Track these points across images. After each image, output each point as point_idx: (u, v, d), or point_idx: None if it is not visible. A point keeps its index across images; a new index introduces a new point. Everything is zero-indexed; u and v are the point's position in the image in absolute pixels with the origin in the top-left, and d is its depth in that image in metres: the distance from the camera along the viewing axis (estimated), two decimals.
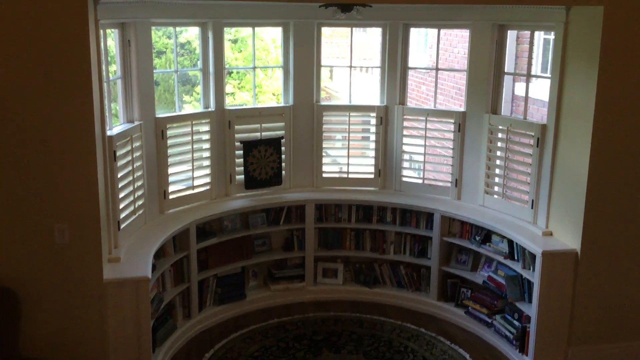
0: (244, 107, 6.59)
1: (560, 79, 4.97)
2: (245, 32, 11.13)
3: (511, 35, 6.20)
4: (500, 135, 5.61)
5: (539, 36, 7.47)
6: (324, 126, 6.29)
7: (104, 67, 4.43)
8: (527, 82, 5.62)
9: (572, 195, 4.91)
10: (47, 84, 3.95)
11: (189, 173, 5.70)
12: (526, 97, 5.60)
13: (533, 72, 6.57)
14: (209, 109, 5.79)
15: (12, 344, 3.92)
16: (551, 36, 6.07)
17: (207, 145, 5.79)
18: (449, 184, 6.07)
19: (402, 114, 6.15)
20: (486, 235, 5.60)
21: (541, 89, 6.45)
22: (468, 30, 5.84)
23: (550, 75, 5.14)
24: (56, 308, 4.21)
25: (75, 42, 3.94)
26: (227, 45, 6.01)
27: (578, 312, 5.00)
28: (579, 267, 4.91)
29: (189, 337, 5.46)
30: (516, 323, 5.25)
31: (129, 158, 4.91)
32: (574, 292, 4.96)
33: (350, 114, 6.30)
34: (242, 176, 5.97)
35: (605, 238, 4.89)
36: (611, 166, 4.77)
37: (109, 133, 4.55)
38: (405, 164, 6.32)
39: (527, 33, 6.72)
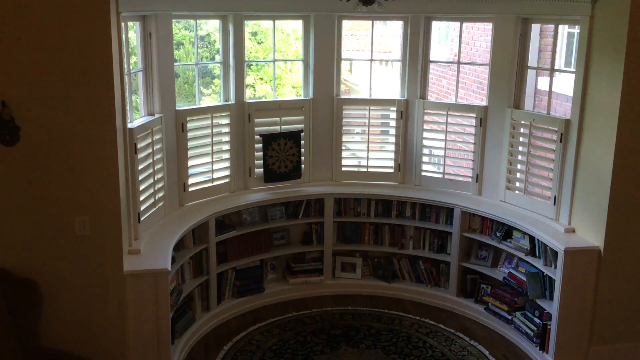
0: (264, 100, 6.60)
1: (585, 73, 4.89)
2: (265, 24, 11.13)
3: (534, 28, 6.10)
4: (522, 130, 5.54)
5: (563, 30, 7.35)
6: (344, 120, 6.26)
7: (125, 60, 4.44)
8: (551, 76, 5.53)
9: (596, 191, 4.83)
10: (68, 76, 3.97)
11: (209, 166, 5.71)
12: (550, 92, 5.52)
13: (557, 67, 6.46)
14: (229, 102, 5.79)
15: (33, 334, 3.96)
16: (576, 30, 5.98)
17: (226, 138, 5.79)
18: (469, 179, 6.01)
19: (423, 108, 6.10)
20: (507, 231, 5.54)
21: (565, 84, 6.36)
22: (490, 24, 5.76)
23: (574, 70, 5.06)
24: (76, 299, 4.24)
25: (97, 34, 3.95)
26: (247, 37, 5.99)
27: (600, 310, 4.94)
28: (601, 264, 4.84)
29: (207, 330, 5.48)
30: (537, 320, 5.20)
31: (150, 150, 4.93)
32: (596, 289, 4.90)
33: (370, 107, 6.26)
34: (262, 169, 5.97)
35: (629, 235, 4.82)
36: (636, 163, 4.69)
37: (129, 125, 4.57)
38: (425, 159, 6.27)
39: (551, 27, 6.62)
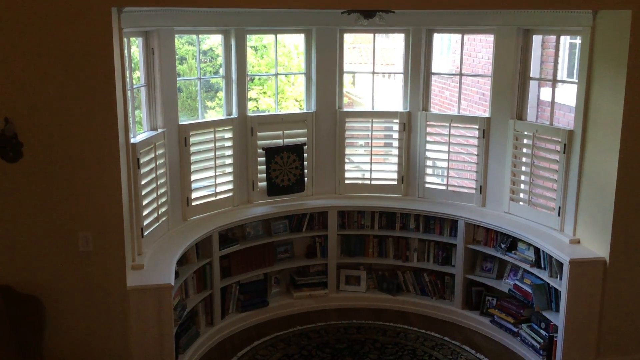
0: (267, 113, 6.60)
1: (588, 84, 4.88)
2: (266, 39, 11.18)
3: (536, 39, 6.11)
4: (525, 141, 5.53)
5: (565, 40, 7.36)
6: (347, 132, 6.26)
7: (127, 75, 4.46)
8: (553, 87, 5.53)
9: (601, 202, 4.81)
10: (71, 92, 3.98)
11: (212, 180, 5.71)
12: (552, 103, 5.51)
13: (559, 77, 6.47)
14: (232, 116, 5.80)
15: (37, 351, 3.95)
16: (577, 40, 5.98)
17: (229, 152, 5.79)
18: (473, 191, 6.00)
19: (426, 120, 6.10)
20: (512, 243, 5.52)
21: (567, 94, 6.35)
22: (492, 35, 5.77)
23: (576, 80, 5.05)
24: (80, 315, 4.23)
25: (100, 50, 3.97)
26: (249, 51, 6.02)
27: (607, 321, 4.90)
28: (607, 275, 4.81)
29: (211, 344, 5.45)
30: (543, 332, 5.16)
31: (153, 165, 4.93)
32: (603, 301, 4.86)
33: (373, 120, 6.26)
34: (265, 183, 5.97)
35: (635, 245, 4.79)
36: None
37: (132, 140, 4.58)
38: (429, 171, 6.26)
39: (553, 37, 6.63)
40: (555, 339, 5.00)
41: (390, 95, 10.22)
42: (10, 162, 3.97)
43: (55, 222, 4.11)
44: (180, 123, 5.36)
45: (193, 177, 5.53)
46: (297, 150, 6.01)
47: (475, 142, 5.92)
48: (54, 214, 4.10)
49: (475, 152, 5.92)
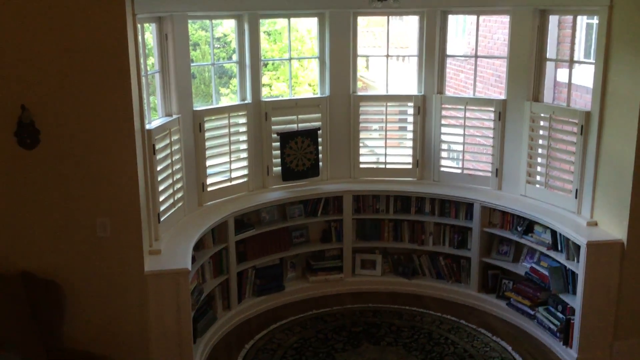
0: (281, 98, 6.59)
1: (605, 64, 4.82)
2: (279, 24, 11.14)
3: (552, 20, 6.02)
4: (542, 123, 5.48)
5: (582, 20, 7.26)
6: (361, 117, 6.24)
7: (142, 61, 4.47)
8: (570, 68, 5.46)
9: (618, 184, 4.76)
10: (86, 79, 4.00)
11: (227, 165, 5.72)
12: (569, 84, 5.45)
13: (576, 58, 6.39)
14: (246, 101, 5.80)
15: (57, 335, 4.00)
16: (595, 20, 5.89)
17: (244, 138, 5.80)
18: (489, 174, 5.96)
19: (441, 103, 6.06)
20: (528, 226, 5.49)
21: (585, 75, 6.27)
22: (508, 16, 5.70)
23: (594, 61, 4.99)
24: (98, 300, 4.28)
25: (114, 36, 3.98)
26: (262, 36, 6.00)
27: (624, 304, 4.87)
28: (625, 258, 4.77)
29: (228, 328, 5.50)
30: (560, 315, 5.14)
31: (168, 151, 4.95)
32: (620, 283, 4.83)
33: (387, 104, 6.23)
34: (279, 168, 5.97)
35: None
36: None
37: (148, 127, 4.59)
38: (444, 154, 6.23)
39: (569, 18, 6.54)
40: (572, 321, 4.98)
41: (405, 79, 10.15)
42: (27, 149, 4.00)
43: (73, 208, 4.14)
44: (194, 109, 5.37)
45: (208, 162, 5.55)
46: (311, 134, 6.00)
47: (491, 124, 5.87)
48: (71, 200, 4.13)
49: (491, 135, 5.88)
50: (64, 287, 4.10)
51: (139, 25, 4.40)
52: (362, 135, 6.33)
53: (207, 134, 5.50)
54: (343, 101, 6.15)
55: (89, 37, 3.95)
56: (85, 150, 4.09)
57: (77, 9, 3.90)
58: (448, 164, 6.28)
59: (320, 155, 6.12)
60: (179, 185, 5.16)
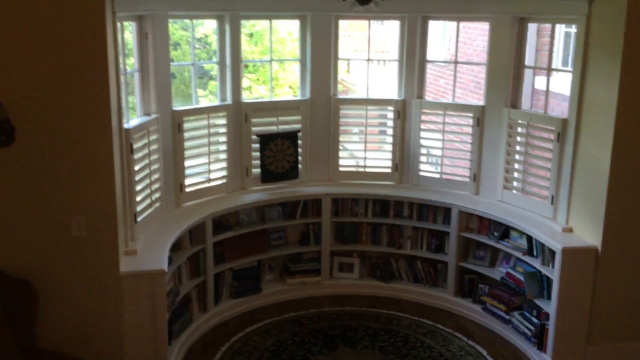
0: (261, 100, 6.57)
1: (582, 73, 4.88)
2: (260, 26, 11.11)
3: (531, 28, 6.09)
4: (520, 129, 5.53)
5: (560, 29, 7.35)
6: (341, 120, 6.24)
7: (121, 60, 4.43)
8: (548, 75, 5.53)
9: (594, 191, 4.83)
10: (64, 77, 3.95)
11: (206, 166, 5.69)
12: (547, 91, 5.52)
13: (554, 66, 6.47)
14: (226, 102, 5.77)
15: (30, 335, 3.94)
16: (573, 29, 5.97)
17: (223, 139, 5.77)
18: (467, 179, 6.01)
19: (420, 108, 6.09)
20: (505, 231, 5.53)
21: (562, 83, 6.35)
22: (488, 23, 5.76)
23: (571, 69, 5.05)
24: (72, 300, 4.23)
25: (93, 34, 3.94)
26: (243, 38, 5.98)
27: (598, 309, 4.93)
28: (599, 264, 4.83)
29: (205, 330, 5.46)
30: (535, 320, 5.19)
31: (146, 151, 4.91)
32: (594, 289, 4.89)
33: (368, 107, 6.25)
34: (259, 169, 5.95)
35: (627, 234, 4.81)
36: (633, 162, 4.68)
37: (125, 126, 4.55)
38: (423, 158, 6.26)
39: (548, 26, 6.61)
40: (546, 326, 5.03)
41: (385, 83, 10.19)
42: (2, 146, 3.94)
43: (48, 207, 4.09)
44: (174, 109, 5.34)
45: (187, 163, 5.51)
46: (291, 137, 5.99)
47: (470, 130, 5.92)
48: (46, 198, 4.08)
49: (470, 140, 5.93)
50: (37, 286, 4.03)
51: (118, 24, 4.36)
52: (342, 138, 6.33)
53: (186, 134, 5.46)
54: (323, 104, 6.16)
55: (67, 34, 3.91)
56: (61, 148, 4.04)
57: (56, 6, 3.86)
58: (427, 169, 6.31)
59: (299, 158, 6.11)
60: (156, 186, 5.12)
